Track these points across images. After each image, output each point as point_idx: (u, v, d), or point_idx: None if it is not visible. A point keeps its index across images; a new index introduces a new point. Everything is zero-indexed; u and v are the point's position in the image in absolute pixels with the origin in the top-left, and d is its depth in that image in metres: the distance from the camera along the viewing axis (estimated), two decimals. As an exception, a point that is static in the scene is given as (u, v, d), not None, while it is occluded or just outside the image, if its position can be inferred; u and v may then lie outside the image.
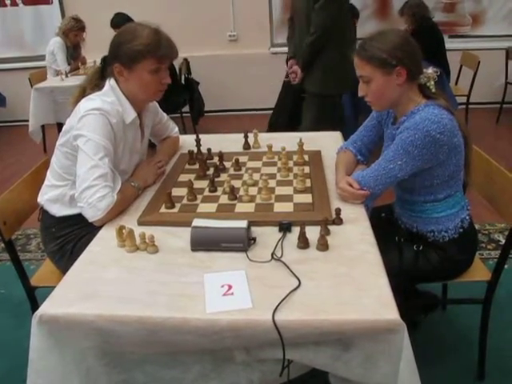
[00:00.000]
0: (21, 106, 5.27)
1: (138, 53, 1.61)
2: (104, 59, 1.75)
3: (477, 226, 1.73)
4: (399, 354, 1.09)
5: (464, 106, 4.50)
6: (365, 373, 1.13)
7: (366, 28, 4.97)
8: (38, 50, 5.49)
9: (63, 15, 5.45)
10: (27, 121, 4.38)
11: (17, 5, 5.61)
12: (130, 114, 1.71)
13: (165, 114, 2.10)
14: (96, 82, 1.75)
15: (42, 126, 4.54)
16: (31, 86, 4.38)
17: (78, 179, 1.55)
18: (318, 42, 3.12)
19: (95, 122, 1.58)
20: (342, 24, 3.17)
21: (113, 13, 4.41)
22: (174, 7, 5.32)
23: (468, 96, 4.52)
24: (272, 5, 5.45)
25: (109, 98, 1.66)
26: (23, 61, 5.64)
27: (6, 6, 5.60)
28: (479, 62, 4.33)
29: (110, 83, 1.70)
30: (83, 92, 1.74)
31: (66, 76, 4.47)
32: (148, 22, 1.68)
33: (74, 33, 4.69)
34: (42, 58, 5.02)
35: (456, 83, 4.82)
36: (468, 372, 1.85)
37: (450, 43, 4.96)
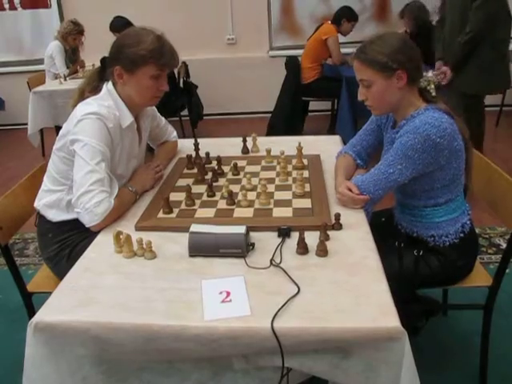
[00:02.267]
0: (19, 110, 5.27)
1: (141, 58, 1.60)
2: (103, 60, 1.74)
3: (477, 230, 1.71)
4: (400, 361, 1.07)
5: (463, 109, 4.49)
6: (365, 381, 1.11)
7: (364, 31, 4.97)
8: (37, 53, 5.49)
9: (62, 19, 5.45)
10: (26, 124, 4.37)
11: (15, 8, 5.60)
12: (127, 118, 1.69)
13: (163, 118, 2.09)
14: (95, 84, 1.74)
15: (41, 130, 4.54)
16: (30, 89, 4.37)
17: (74, 184, 1.53)
18: (473, 41, 3.11)
19: (92, 126, 1.56)
20: (499, 22, 3.14)
21: (112, 16, 4.42)
22: (173, 10, 5.32)
23: (467, 99, 4.50)
24: (271, 8, 5.45)
25: (105, 102, 1.65)
26: (22, 64, 5.65)
27: (4, 9, 5.60)
28: (478, 65, 4.32)
29: (107, 87, 1.69)
30: (82, 94, 1.73)
31: (65, 79, 4.47)
32: (152, 27, 1.68)
33: (72, 36, 4.69)
34: (40, 61, 5.01)
35: (455, 86, 4.81)
36: (470, 378, 1.83)
37: (449, 46, 4.96)
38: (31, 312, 1.74)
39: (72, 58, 4.85)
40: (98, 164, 1.53)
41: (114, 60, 1.65)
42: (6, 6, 5.58)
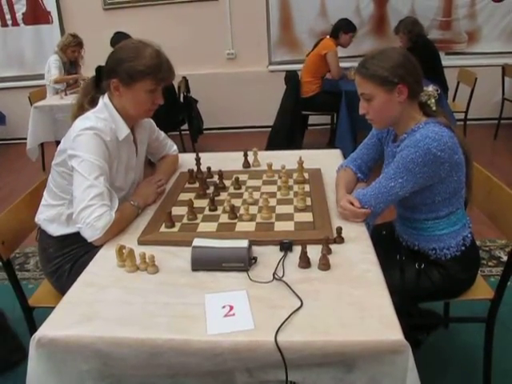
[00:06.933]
0: (20, 125, 5.29)
1: (139, 73, 1.61)
2: (99, 70, 1.74)
3: (477, 243, 1.72)
4: (404, 375, 1.07)
5: (462, 122, 4.51)
6: (369, 395, 1.11)
7: (363, 46, 5.03)
8: (38, 68, 5.52)
9: (63, 34, 5.49)
10: (26, 139, 4.38)
11: (18, 24, 5.66)
12: (124, 131, 1.70)
13: (162, 132, 2.10)
14: (91, 95, 1.74)
15: (41, 145, 4.56)
16: (31, 104, 4.40)
17: (74, 200, 1.54)
18: None
19: (89, 141, 1.57)
20: None
21: (112, 32, 4.44)
22: (173, 26, 5.37)
23: (466, 112, 4.54)
24: (270, 23, 5.50)
25: (102, 115, 1.66)
26: (23, 79, 5.68)
27: (7, 25, 5.65)
28: (476, 79, 4.36)
29: (103, 100, 1.70)
30: (82, 107, 1.73)
31: (66, 94, 4.49)
32: (149, 40, 1.69)
33: (71, 48, 4.71)
34: (41, 76, 5.04)
35: (453, 100, 4.85)
36: (472, 392, 1.82)
37: (446, 60, 5.01)
38: (32, 327, 1.74)
39: (71, 71, 4.86)
40: (96, 178, 1.54)
41: (112, 72, 1.66)
42: (9, 22, 5.64)
